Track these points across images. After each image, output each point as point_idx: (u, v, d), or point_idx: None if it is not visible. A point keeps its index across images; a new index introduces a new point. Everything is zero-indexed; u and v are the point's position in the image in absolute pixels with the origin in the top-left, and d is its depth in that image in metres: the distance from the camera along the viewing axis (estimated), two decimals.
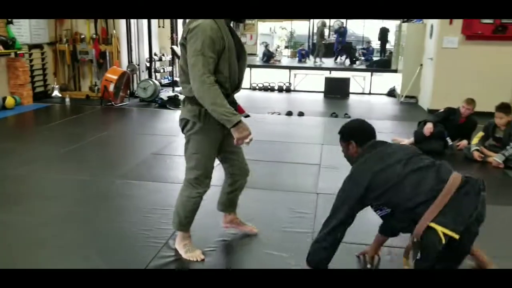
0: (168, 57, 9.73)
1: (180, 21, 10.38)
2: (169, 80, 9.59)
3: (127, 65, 8.45)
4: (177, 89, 8.77)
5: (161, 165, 4.44)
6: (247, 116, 2.62)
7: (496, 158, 4.52)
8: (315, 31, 18.66)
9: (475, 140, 4.86)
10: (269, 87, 10.41)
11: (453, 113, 5.02)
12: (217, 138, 2.43)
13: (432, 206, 1.97)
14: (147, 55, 9.01)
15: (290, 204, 3.40)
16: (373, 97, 9.74)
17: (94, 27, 8.26)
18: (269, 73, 11.85)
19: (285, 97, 9.75)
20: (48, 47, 8.21)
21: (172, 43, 10.21)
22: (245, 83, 9.36)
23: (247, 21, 17.43)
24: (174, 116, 7.03)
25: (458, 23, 7.19)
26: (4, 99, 6.95)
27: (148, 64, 9.00)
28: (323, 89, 9.66)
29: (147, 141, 5.43)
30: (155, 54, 9.21)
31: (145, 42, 8.97)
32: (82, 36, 8.25)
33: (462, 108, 4.97)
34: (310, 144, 5.31)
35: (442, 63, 7.47)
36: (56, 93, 8.18)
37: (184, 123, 2.42)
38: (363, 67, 13.45)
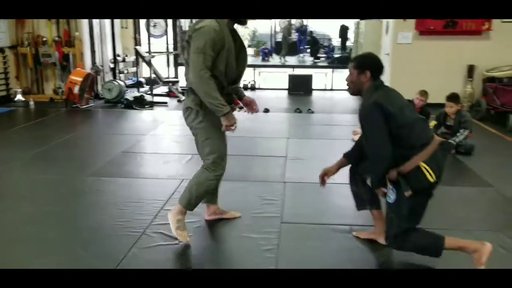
0: (132, 58, 9.72)
1: (142, 21, 10.38)
2: (133, 81, 9.58)
3: (91, 67, 8.43)
4: (142, 89, 8.82)
5: (132, 162, 4.54)
6: (241, 108, 2.96)
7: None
8: (277, 30, 18.99)
9: None
10: None
11: None
12: (220, 121, 2.62)
13: (424, 150, 2.33)
14: (110, 56, 8.99)
15: (261, 193, 3.62)
16: (335, 92, 10.05)
17: (56, 29, 8.20)
18: None
19: (251, 95, 9.82)
20: (9, 51, 8.08)
21: (136, 44, 10.20)
22: None
23: None
24: (141, 116, 7.11)
25: (411, 19, 7.58)
26: None
27: (112, 65, 8.98)
28: (287, 86, 9.92)
29: (116, 140, 5.50)
30: (119, 55, 9.19)
31: (108, 43, 8.95)
32: (44, 39, 8.16)
33: (416, 100, 5.32)
34: (277, 138, 5.55)
35: (397, 58, 7.84)
36: (19, 97, 8.05)
37: (188, 113, 2.69)
38: (325, 64, 13.83)
